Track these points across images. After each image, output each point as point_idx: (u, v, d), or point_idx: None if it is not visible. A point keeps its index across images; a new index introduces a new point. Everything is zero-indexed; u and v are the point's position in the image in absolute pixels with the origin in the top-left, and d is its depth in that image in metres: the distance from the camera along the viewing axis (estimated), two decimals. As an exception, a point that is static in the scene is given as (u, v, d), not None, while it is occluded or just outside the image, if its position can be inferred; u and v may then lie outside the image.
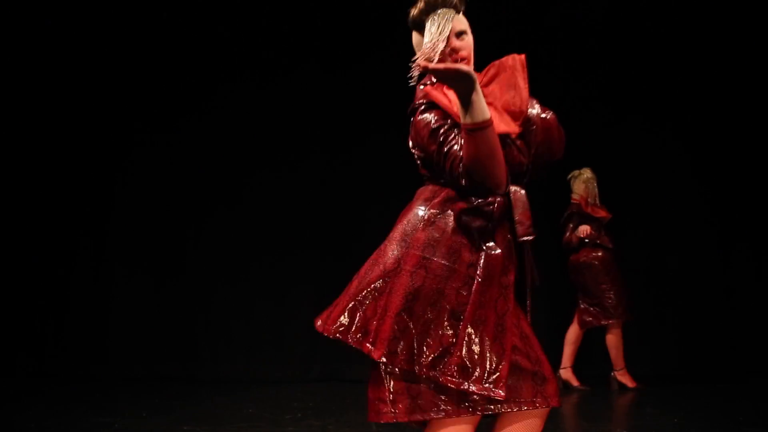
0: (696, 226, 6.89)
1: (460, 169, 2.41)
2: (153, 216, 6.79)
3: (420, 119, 2.56)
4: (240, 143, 6.80)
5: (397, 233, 2.60)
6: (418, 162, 2.62)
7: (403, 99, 7.09)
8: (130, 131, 6.84)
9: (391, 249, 2.60)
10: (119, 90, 6.84)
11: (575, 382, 6.29)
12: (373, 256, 2.66)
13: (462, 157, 2.39)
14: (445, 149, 2.44)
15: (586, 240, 6.20)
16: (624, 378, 6.20)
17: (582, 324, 6.31)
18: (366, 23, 6.82)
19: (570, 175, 6.45)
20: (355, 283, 2.68)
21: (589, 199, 6.35)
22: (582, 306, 6.31)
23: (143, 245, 6.78)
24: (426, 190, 2.59)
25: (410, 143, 2.65)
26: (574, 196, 6.43)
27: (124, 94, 6.84)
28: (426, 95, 2.59)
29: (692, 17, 6.90)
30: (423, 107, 2.58)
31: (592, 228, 6.21)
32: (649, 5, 6.88)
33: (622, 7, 6.89)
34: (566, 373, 6.29)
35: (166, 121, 6.85)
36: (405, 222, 2.59)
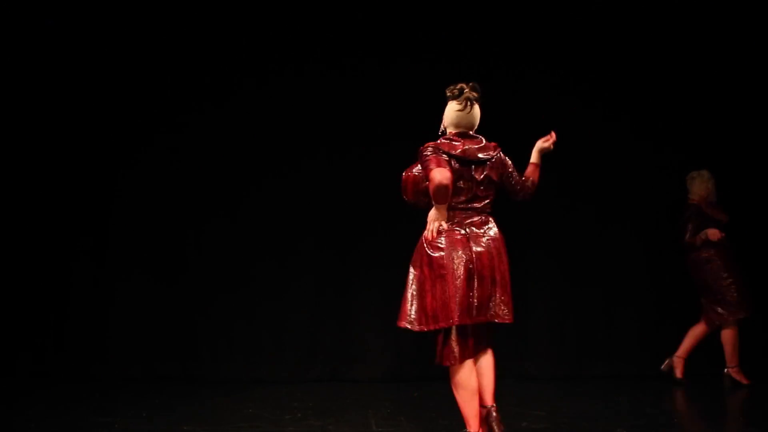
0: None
1: (536, 185, 4.31)
2: (153, 216, 6.78)
3: (507, 158, 4.25)
4: (241, 145, 6.79)
5: (498, 242, 4.10)
6: (494, 188, 4.15)
7: (402, 102, 7.15)
8: (131, 132, 6.82)
9: (503, 250, 4.13)
10: (121, 92, 6.82)
11: (679, 374, 6.33)
12: (495, 253, 4.06)
13: (537, 180, 4.32)
14: (520, 176, 4.28)
15: (715, 241, 6.25)
16: (738, 375, 6.25)
17: (710, 324, 6.35)
18: (369, 27, 6.82)
19: (688, 176, 6.50)
20: (507, 277, 4.14)
21: (709, 200, 6.41)
22: (705, 303, 6.36)
23: (143, 245, 6.77)
24: (489, 216, 4.15)
25: (497, 171, 4.16)
26: (693, 197, 6.46)
27: (126, 96, 6.82)
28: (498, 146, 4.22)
29: (695, 17, 6.91)
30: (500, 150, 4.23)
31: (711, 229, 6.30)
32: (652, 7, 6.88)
33: (622, 8, 6.89)
34: (678, 362, 6.35)
35: (167, 122, 6.84)
36: (498, 234, 4.11)
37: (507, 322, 4.05)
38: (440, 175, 3.85)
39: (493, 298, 4.01)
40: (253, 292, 6.73)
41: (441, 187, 3.85)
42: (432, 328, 3.93)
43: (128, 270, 6.76)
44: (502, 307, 4.05)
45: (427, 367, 6.58)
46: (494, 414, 3.99)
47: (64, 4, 6.77)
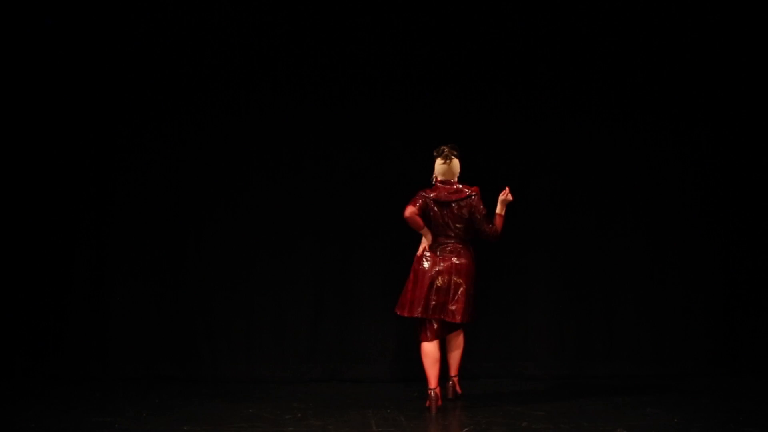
0: (697, 226, 6.89)
1: (498, 230, 5.63)
2: (153, 216, 6.77)
3: (480, 203, 5.59)
4: (241, 145, 6.78)
5: (468, 259, 5.62)
6: (465, 221, 5.59)
7: (400, 106, 7.15)
8: (131, 130, 6.81)
9: (470, 267, 5.62)
10: (120, 92, 6.81)
11: None
12: (455, 272, 5.57)
13: (499, 227, 5.64)
14: (490, 222, 5.62)
15: None
16: None
17: None
18: (368, 32, 6.82)
19: None
20: (462, 289, 5.55)
21: None
22: None
23: (143, 245, 6.76)
24: (466, 245, 5.65)
25: (467, 210, 5.58)
26: None
27: (126, 95, 6.81)
28: (479, 192, 5.61)
29: (693, 15, 6.91)
30: (478, 197, 5.60)
31: None
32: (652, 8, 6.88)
33: (621, 8, 6.89)
34: None
35: (167, 121, 6.82)
36: (469, 255, 5.64)
37: (455, 321, 5.54)
38: (406, 211, 5.54)
39: (446, 304, 5.52)
40: (253, 292, 6.73)
41: (406, 219, 5.55)
42: (399, 313, 5.68)
43: (128, 270, 6.75)
44: (452, 310, 5.53)
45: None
46: (453, 381, 5.76)
47: (64, 4, 6.76)
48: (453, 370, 5.80)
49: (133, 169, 6.81)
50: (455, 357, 5.77)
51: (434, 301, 5.53)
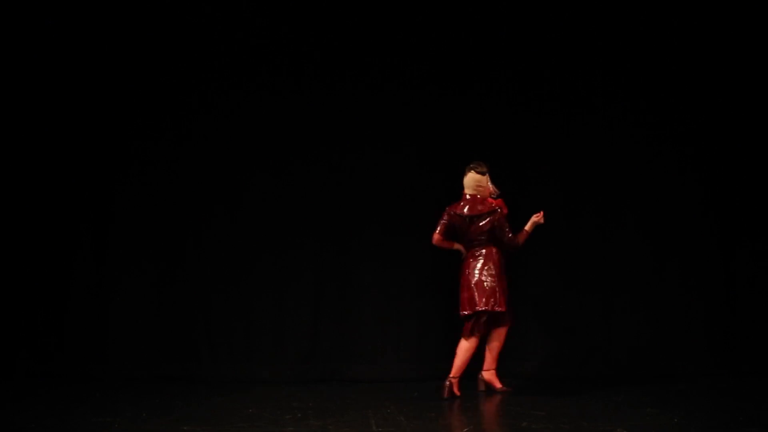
0: (697, 226, 6.89)
1: (519, 243, 6.01)
2: (154, 216, 6.78)
3: (503, 218, 5.96)
4: (241, 146, 6.79)
5: (492, 260, 5.97)
6: (487, 233, 5.95)
7: (399, 107, 7.13)
8: (132, 130, 6.82)
9: (495, 262, 5.97)
10: (121, 92, 6.82)
11: None
12: (472, 268, 5.97)
13: (520, 240, 6.00)
14: (512, 235, 5.96)
15: None
16: None
17: None
18: (367, 34, 6.82)
19: None
20: (481, 283, 5.93)
21: None
22: None
23: (144, 245, 6.77)
24: (491, 248, 5.98)
25: (488, 225, 5.94)
26: None
27: (126, 95, 6.82)
28: (502, 207, 5.98)
29: (693, 17, 6.91)
30: (501, 211, 5.97)
31: None
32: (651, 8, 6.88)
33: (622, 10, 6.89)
34: None
35: (168, 121, 6.83)
36: (493, 255, 5.98)
37: (461, 313, 5.97)
38: (432, 239, 6.05)
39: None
40: (253, 292, 6.73)
41: (434, 245, 6.08)
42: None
43: (128, 270, 6.76)
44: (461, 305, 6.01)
45: (427, 367, 6.59)
46: (451, 382, 5.89)
47: (64, 4, 6.77)
48: (452, 371, 5.91)
49: (133, 170, 6.82)
50: (458, 360, 5.92)
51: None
